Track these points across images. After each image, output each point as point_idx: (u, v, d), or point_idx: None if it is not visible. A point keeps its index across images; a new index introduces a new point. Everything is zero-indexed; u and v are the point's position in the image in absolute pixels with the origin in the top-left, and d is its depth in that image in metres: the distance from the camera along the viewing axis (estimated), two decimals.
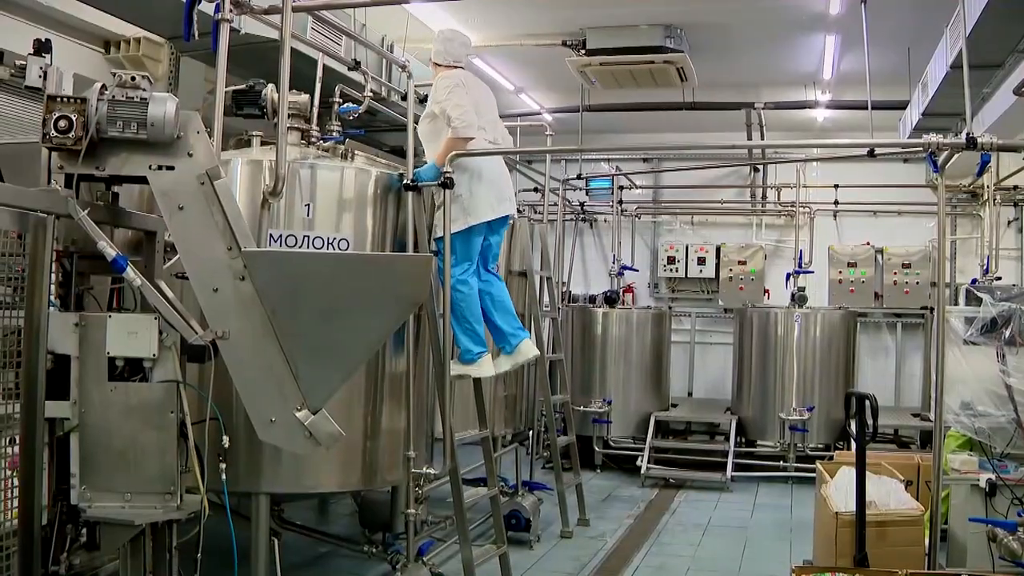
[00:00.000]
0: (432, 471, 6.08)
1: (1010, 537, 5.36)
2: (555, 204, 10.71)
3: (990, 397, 5.95)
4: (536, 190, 12.52)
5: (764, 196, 13.88)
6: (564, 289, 12.97)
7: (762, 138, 12.00)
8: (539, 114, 12.13)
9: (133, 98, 3.85)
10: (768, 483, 10.86)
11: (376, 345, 4.97)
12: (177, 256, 4.08)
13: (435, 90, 6.43)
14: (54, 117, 3.80)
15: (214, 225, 3.88)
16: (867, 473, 5.61)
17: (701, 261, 13.87)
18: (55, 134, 3.80)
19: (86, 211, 3.78)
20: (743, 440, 11.48)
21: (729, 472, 10.50)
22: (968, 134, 5.63)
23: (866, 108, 9.14)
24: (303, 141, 6.29)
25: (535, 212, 11.87)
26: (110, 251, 3.76)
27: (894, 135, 11.10)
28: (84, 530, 4.02)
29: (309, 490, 6.30)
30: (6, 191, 3.57)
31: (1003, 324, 5.89)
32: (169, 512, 3.80)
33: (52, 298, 3.80)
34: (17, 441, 3.56)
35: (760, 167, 13.47)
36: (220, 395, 4.01)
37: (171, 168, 3.92)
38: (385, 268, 4.20)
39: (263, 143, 6.07)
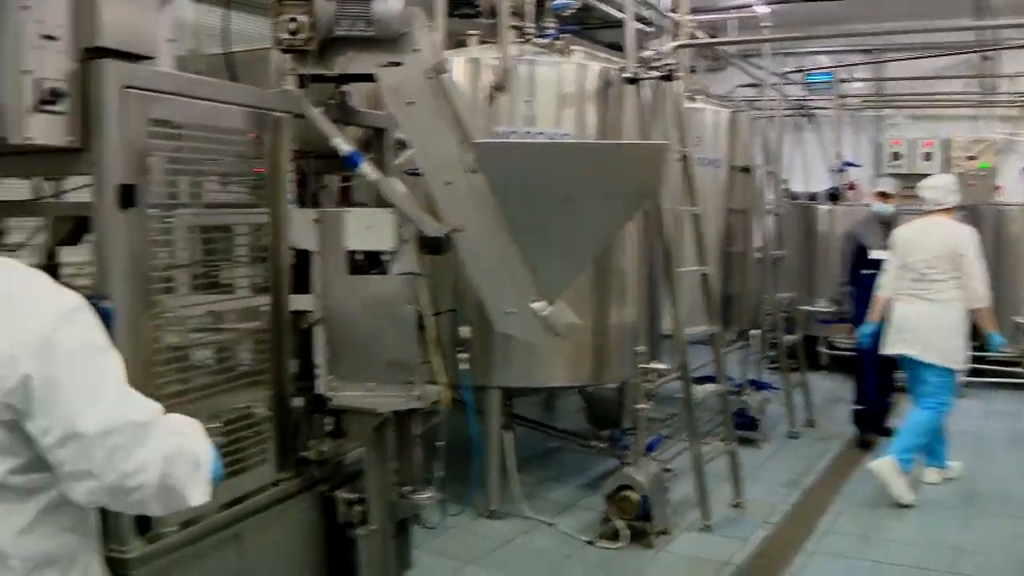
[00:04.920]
0: (661, 366, 6.03)
1: None
2: (774, 99, 10.33)
3: None
4: (754, 85, 12.11)
5: (995, 87, 12.94)
6: (783, 187, 12.60)
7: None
8: (754, 6, 11.68)
9: None
10: (1004, 389, 10.36)
11: (611, 236, 4.90)
12: (406, 152, 4.13)
13: None
14: (284, 19, 3.87)
15: (444, 119, 3.89)
16: None
17: (927, 157, 13.15)
18: (286, 36, 3.87)
19: (321, 110, 3.86)
20: (976, 345, 10.91)
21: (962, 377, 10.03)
22: None
23: None
24: (520, 39, 6.24)
25: (753, 108, 11.50)
26: (345, 147, 3.82)
27: None
28: (329, 419, 4.20)
29: (539, 384, 6.38)
30: (246, 92, 3.66)
31: None
32: (411, 401, 3.88)
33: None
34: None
35: (991, 55, 12.57)
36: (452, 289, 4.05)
37: (398, 64, 3.93)
38: (618, 156, 4.11)
39: (481, 42, 6.06)
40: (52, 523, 2.08)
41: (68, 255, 4.11)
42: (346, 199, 4.59)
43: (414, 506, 4.19)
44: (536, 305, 3.82)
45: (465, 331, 4.01)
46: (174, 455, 2.10)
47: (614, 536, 6.06)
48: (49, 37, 2.89)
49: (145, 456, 2.03)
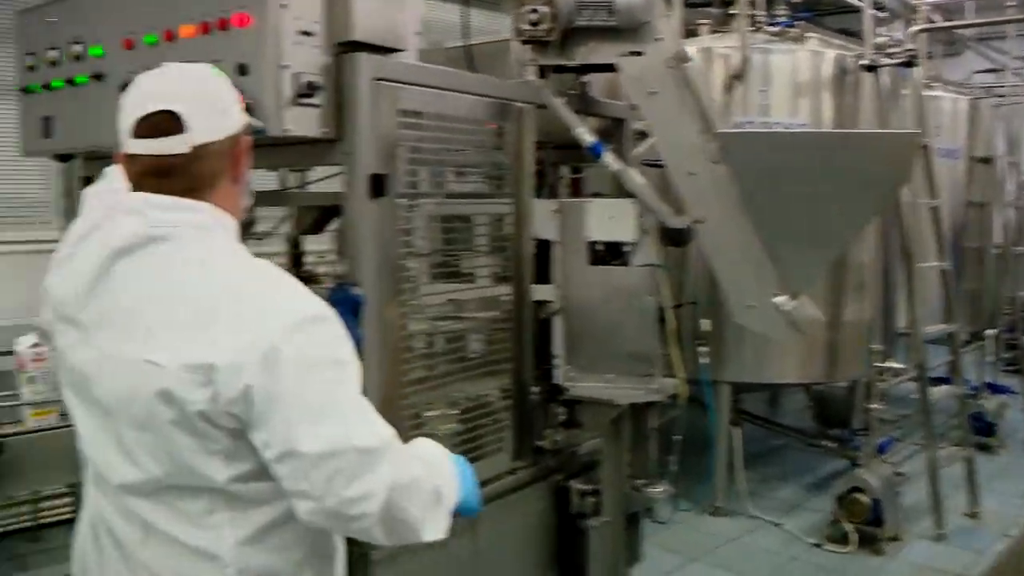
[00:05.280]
0: (897, 365, 5.79)
1: None
2: (1017, 84, 9.75)
3: None
4: (994, 71, 11.46)
5: None
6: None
7: None
8: None
9: None
10: None
11: (859, 230, 4.68)
12: (646, 142, 4.08)
13: None
14: (525, 11, 3.88)
15: (686, 108, 3.82)
16: None
17: None
18: (527, 27, 3.88)
19: (562, 100, 3.85)
20: None
21: None
22: None
23: None
24: (752, 27, 6.09)
25: (992, 95, 10.89)
26: (587, 137, 3.81)
27: None
28: (563, 409, 4.20)
29: (771, 380, 6.24)
30: (489, 83, 3.69)
31: None
32: (649, 394, 3.83)
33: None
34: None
35: None
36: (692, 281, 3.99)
37: (640, 53, 3.88)
38: (867, 146, 3.94)
39: (712, 31, 5.96)
40: (279, 537, 2.04)
41: (312, 243, 4.27)
42: (576, 190, 4.59)
43: (647, 499, 4.16)
44: (779, 299, 3.71)
45: (706, 324, 3.93)
46: (406, 486, 2.00)
47: (842, 539, 5.89)
48: (305, 33, 2.97)
49: (369, 485, 1.93)
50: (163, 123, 2.00)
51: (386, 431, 2.01)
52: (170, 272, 1.98)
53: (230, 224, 2.11)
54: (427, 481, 2.09)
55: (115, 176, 2.19)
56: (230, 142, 2.10)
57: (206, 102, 2.06)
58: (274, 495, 2.00)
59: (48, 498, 5.93)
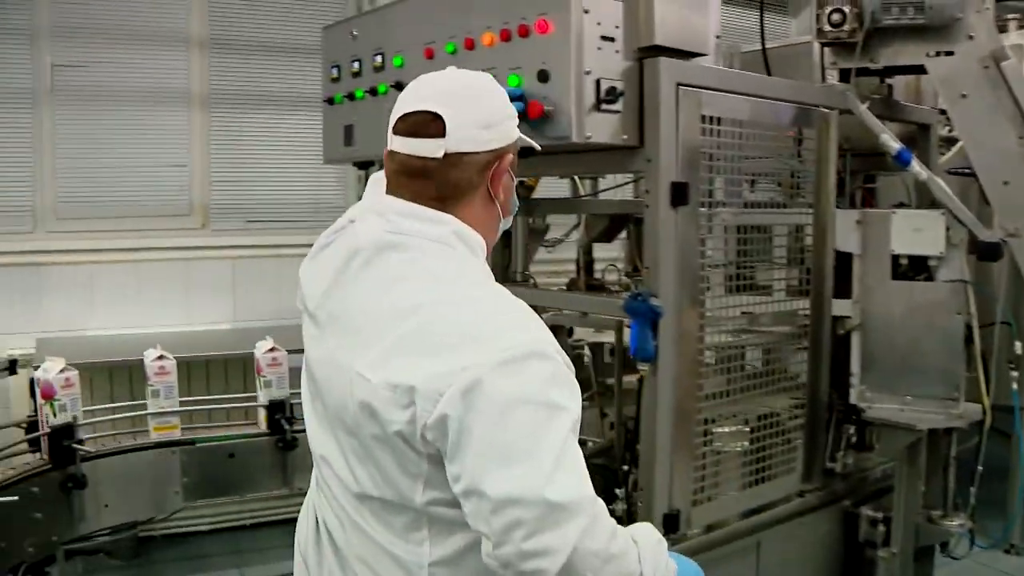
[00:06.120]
0: None
1: None
2: None
3: None
4: None
5: None
6: None
7: None
8: None
9: None
10: None
11: None
12: (951, 151, 3.83)
13: None
14: (827, 11, 3.71)
15: (1002, 111, 3.55)
16: None
17: None
18: (829, 28, 3.71)
19: (865, 105, 3.66)
20: None
21: None
22: None
23: None
24: None
25: None
26: (893, 144, 3.59)
27: None
28: (853, 430, 3.99)
29: None
30: (792, 88, 3.54)
31: None
32: (951, 419, 3.58)
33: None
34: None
35: None
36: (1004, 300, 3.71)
37: (950, 53, 3.64)
38: None
39: (1020, 27, 5.58)
40: (479, 561, 1.86)
41: (601, 251, 4.24)
42: (869, 200, 4.36)
43: (942, 532, 3.88)
44: None
45: (1019, 347, 3.63)
46: (596, 554, 1.78)
47: None
48: (606, 38, 2.92)
49: (551, 541, 1.73)
50: (424, 124, 1.96)
51: (586, 490, 1.80)
52: (397, 283, 1.91)
53: (476, 242, 2.01)
54: (628, 563, 1.88)
55: None
56: (490, 156, 2.00)
57: (472, 112, 1.98)
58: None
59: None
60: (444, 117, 1.94)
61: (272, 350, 4.45)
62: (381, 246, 1.96)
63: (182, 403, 4.54)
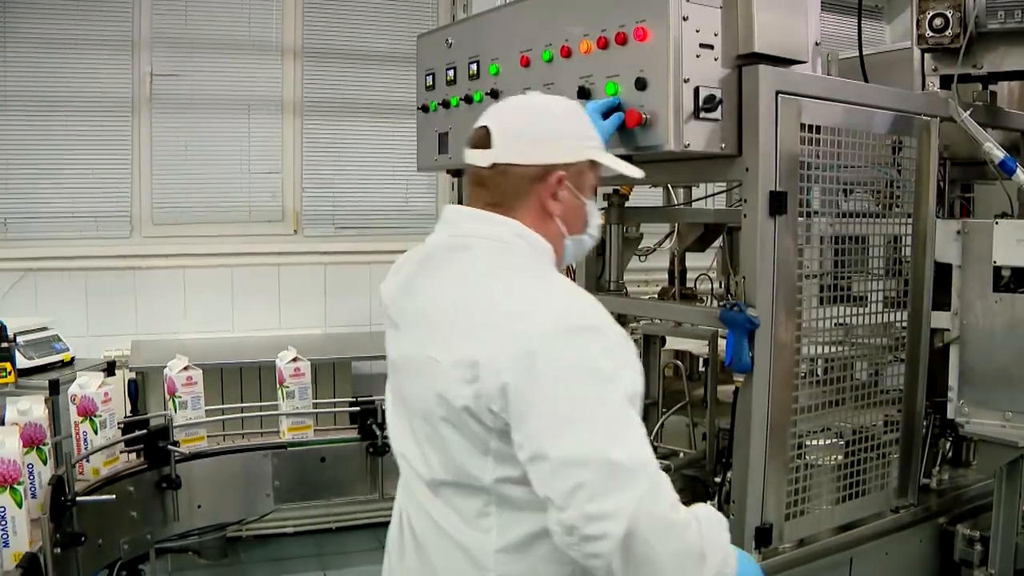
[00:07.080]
0: None
1: None
2: None
3: None
4: None
5: None
6: None
7: None
8: None
9: None
10: None
11: None
12: None
13: None
14: (928, 16, 3.64)
15: None
16: None
17: None
18: (930, 33, 3.63)
19: (968, 112, 3.57)
20: None
21: None
22: None
23: None
24: None
25: None
26: (997, 153, 3.49)
27: None
28: (949, 445, 3.90)
29: None
30: (893, 95, 3.47)
31: None
32: None
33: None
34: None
35: None
36: None
37: None
38: None
39: None
40: (546, 547, 1.94)
41: (694, 260, 4.20)
42: (965, 210, 4.26)
43: None
44: None
45: None
46: (660, 518, 1.81)
47: None
48: (705, 45, 2.89)
49: (614, 504, 1.76)
50: (479, 137, 2.16)
51: (647, 455, 1.86)
52: (460, 277, 2.08)
53: (539, 245, 2.14)
54: (690, 534, 1.88)
55: None
56: (539, 171, 2.12)
57: (517, 127, 2.15)
58: (543, 502, 1.89)
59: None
60: (492, 130, 2.13)
61: (295, 360, 4.46)
62: (449, 248, 2.15)
63: (263, 408, 4.68)
